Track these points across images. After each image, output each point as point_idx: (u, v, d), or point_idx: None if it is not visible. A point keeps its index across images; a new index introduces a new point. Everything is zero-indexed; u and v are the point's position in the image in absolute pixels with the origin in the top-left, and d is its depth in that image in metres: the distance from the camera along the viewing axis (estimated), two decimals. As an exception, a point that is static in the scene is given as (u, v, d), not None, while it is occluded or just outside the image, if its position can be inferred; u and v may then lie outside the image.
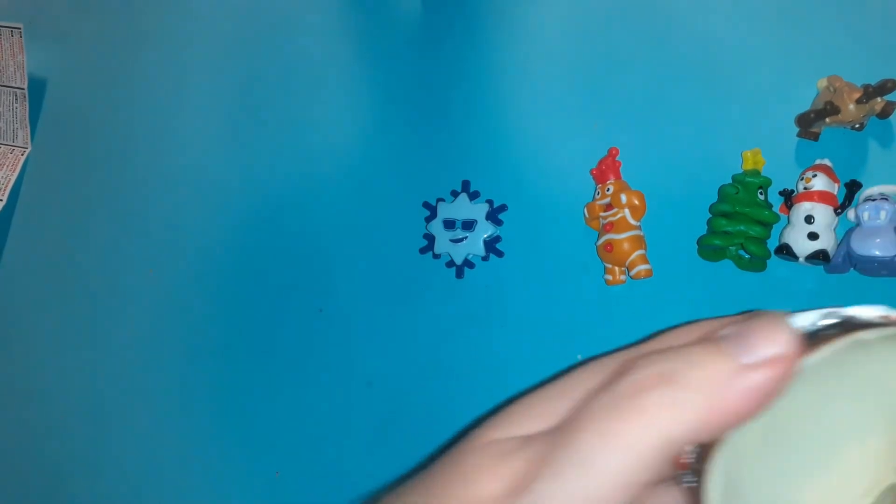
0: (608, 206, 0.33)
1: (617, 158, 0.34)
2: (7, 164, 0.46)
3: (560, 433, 0.16)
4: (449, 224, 0.36)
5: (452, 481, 0.18)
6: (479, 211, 0.35)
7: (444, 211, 0.36)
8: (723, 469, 0.15)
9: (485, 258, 0.35)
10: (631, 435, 0.15)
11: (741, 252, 0.31)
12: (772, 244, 0.31)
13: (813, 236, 0.29)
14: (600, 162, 0.35)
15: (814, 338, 0.14)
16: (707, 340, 0.16)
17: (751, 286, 0.31)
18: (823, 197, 0.30)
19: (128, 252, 0.42)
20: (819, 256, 0.29)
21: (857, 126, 0.31)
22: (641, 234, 0.32)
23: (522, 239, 0.35)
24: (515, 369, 0.33)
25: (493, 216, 0.35)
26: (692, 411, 0.15)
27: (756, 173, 0.31)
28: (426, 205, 0.37)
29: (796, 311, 0.15)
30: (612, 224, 0.32)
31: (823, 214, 0.30)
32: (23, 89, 0.47)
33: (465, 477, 0.17)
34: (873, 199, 0.29)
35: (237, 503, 0.36)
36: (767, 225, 0.30)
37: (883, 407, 0.14)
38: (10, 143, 0.47)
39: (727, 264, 0.32)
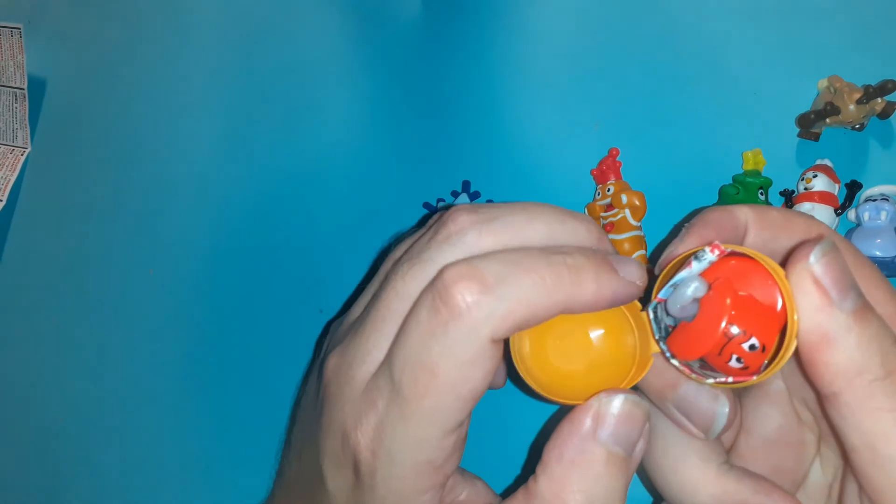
0: (609, 207, 0.33)
1: (617, 159, 0.34)
2: (7, 164, 0.46)
3: None
4: None
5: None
6: None
7: None
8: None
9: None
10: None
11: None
12: (772, 244, 0.31)
13: (813, 237, 0.29)
14: (601, 162, 0.35)
15: None
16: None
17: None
18: (824, 197, 0.30)
19: (128, 252, 0.42)
20: (820, 257, 0.29)
21: (857, 126, 0.31)
22: (642, 234, 0.32)
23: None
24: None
25: None
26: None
27: (757, 173, 0.31)
28: (426, 205, 0.37)
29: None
30: (612, 225, 0.32)
31: (824, 215, 0.29)
32: (22, 89, 0.47)
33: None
34: (874, 200, 0.29)
35: (237, 502, 0.36)
36: (768, 225, 0.30)
37: None
38: (10, 143, 0.47)
39: (728, 265, 0.32)
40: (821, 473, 0.22)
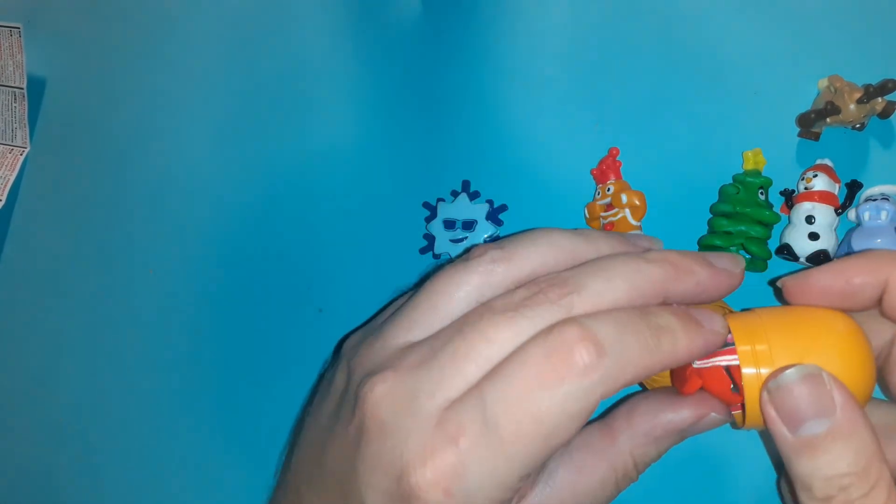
0: (609, 207, 0.33)
1: (617, 158, 0.34)
2: (6, 163, 0.46)
3: None
4: (449, 224, 0.35)
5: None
6: (479, 211, 0.35)
7: (445, 211, 0.36)
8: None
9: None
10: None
11: (742, 252, 0.31)
12: (772, 244, 0.31)
13: (814, 236, 0.29)
14: (601, 162, 0.35)
15: None
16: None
17: (751, 286, 0.31)
18: (824, 197, 0.30)
19: (128, 252, 0.42)
20: (820, 257, 0.29)
21: (857, 126, 0.31)
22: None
23: (523, 239, 0.35)
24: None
25: (494, 216, 0.35)
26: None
27: (757, 173, 0.31)
28: (426, 205, 0.37)
29: None
30: (612, 224, 0.32)
31: (824, 214, 0.29)
32: (21, 89, 0.47)
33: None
34: (874, 199, 0.29)
35: (237, 503, 0.36)
36: (768, 225, 0.30)
37: None
38: (9, 142, 0.47)
39: (728, 264, 0.32)
40: None
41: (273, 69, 0.43)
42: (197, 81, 0.45)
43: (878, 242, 0.28)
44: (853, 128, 0.32)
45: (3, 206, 0.45)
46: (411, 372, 0.21)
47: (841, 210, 0.30)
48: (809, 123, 0.31)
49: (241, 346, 0.38)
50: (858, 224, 0.29)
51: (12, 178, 0.46)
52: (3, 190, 0.45)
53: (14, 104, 0.47)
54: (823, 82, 0.32)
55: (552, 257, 0.23)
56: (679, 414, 0.22)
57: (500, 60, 0.39)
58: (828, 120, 0.31)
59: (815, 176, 0.30)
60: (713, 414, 0.23)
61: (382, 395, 0.21)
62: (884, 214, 0.28)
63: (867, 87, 0.30)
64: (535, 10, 0.40)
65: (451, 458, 0.19)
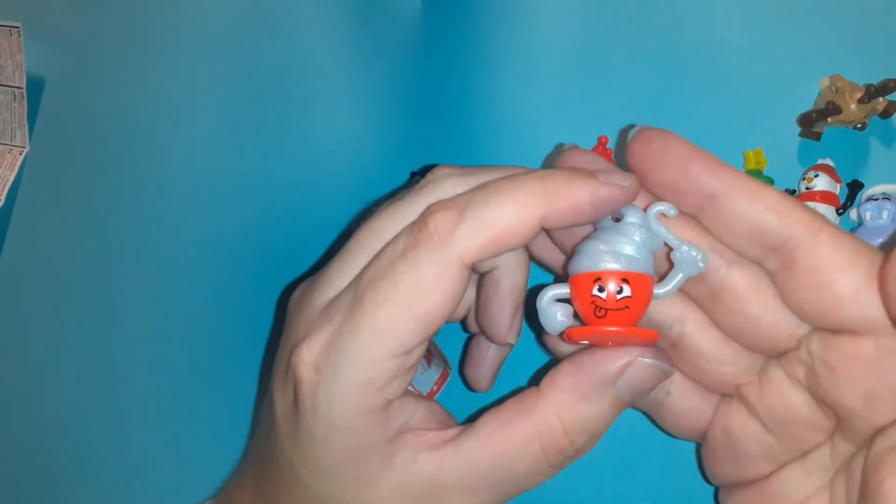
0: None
1: (607, 147, 0.34)
2: (5, 163, 0.46)
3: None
4: None
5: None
6: None
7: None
8: None
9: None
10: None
11: (743, 252, 0.31)
12: (774, 244, 0.31)
13: (815, 236, 0.29)
14: (592, 150, 0.35)
15: None
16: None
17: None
18: (825, 197, 0.30)
19: (128, 252, 0.41)
20: (821, 256, 0.29)
21: (859, 126, 0.31)
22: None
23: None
24: (520, 364, 0.33)
25: None
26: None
27: (758, 173, 0.31)
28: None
29: None
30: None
31: (826, 214, 0.30)
32: (21, 88, 0.47)
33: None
34: (875, 199, 0.29)
35: (237, 504, 0.36)
36: (770, 225, 0.30)
37: None
38: (8, 142, 0.47)
39: (729, 264, 0.32)
40: (828, 460, 0.21)
41: (272, 69, 0.43)
42: (196, 81, 0.45)
43: (880, 242, 0.28)
44: (854, 128, 0.32)
45: (3, 206, 0.45)
46: (316, 276, 0.22)
47: (842, 210, 0.30)
48: (811, 123, 0.32)
49: (240, 345, 0.38)
50: (860, 224, 0.29)
51: (12, 178, 0.46)
52: (3, 190, 0.45)
53: (13, 104, 0.47)
54: (825, 82, 0.32)
55: None
56: (602, 365, 0.20)
57: (500, 60, 0.39)
58: (829, 120, 0.31)
59: (817, 176, 0.30)
60: (640, 358, 0.19)
61: (294, 299, 0.23)
62: (885, 214, 0.29)
63: (868, 87, 0.30)
64: (534, 10, 0.40)
65: (325, 337, 0.20)
